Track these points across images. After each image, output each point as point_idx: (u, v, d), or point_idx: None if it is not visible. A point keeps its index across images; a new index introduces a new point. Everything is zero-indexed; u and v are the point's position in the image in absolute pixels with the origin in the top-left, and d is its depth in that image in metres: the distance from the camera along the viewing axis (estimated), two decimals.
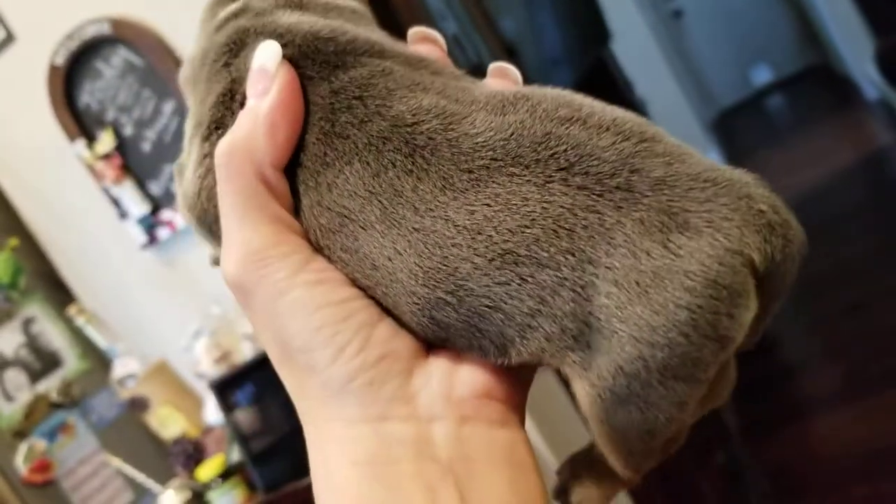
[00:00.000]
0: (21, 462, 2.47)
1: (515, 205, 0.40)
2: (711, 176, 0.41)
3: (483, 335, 0.42)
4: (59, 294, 2.73)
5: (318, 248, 0.45)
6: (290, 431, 2.27)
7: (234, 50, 0.49)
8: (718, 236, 0.39)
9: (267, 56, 0.46)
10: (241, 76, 0.48)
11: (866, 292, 3.99)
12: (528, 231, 0.40)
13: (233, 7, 0.52)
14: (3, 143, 2.65)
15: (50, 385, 2.62)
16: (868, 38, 5.13)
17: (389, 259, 0.43)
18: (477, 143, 0.42)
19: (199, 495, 2.35)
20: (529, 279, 0.40)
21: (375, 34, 0.49)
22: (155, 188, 2.57)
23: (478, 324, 0.42)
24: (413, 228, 0.42)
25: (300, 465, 2.25)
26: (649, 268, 0.39)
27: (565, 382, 0.45)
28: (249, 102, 0.46)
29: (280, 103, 0.45)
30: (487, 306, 0.41)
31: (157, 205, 2.58)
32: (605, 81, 4.74)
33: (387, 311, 0.45)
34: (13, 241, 2.63)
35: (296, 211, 0.46)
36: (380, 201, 0.43)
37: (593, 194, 0.40)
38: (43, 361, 2.64)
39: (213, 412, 2.46)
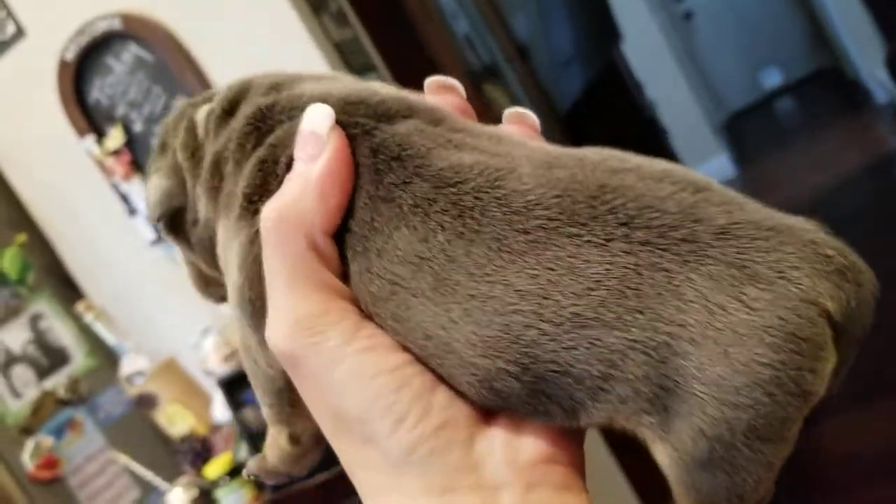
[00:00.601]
0: (28, 459, 2.46)
1: (579, 267, 0.39)
2: (773, 223, 0.39)
3: (550, 400, 0.40)
4: (67, 290, 2.73)
5: (368, 316, 0.44)
6: None
7: (262, 128, 0.48)
8: (791, 287, 0.38)
9: (319, 119, 0.45)
10: (281, 143, 0.46)
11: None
12: (594, 293, 0.38)
13: (221, 99, 0.52)
14: (13, 139, 2.65)
15: (57, 382, 2.61)
16: (878, 42, 5.12)
17: (443, 328, 0.41)
18: (529, 202, 0.40)
19: (206, 493, 2.34)
20: (597, 342, 0.38)
21: (396, 91, 0.48)
22: None
23: (544, 389, 0.40)
24: (469, 295, 0.40)
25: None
26: (726, 324, 0.37)
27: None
28: (298, 167, 0.45)
29: (332, 168, 0.44)
30: (554, 371, 0.39)
31: None
32: (616, 83, 4.73)
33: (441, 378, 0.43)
34: (21, 237, 2.62)
35: (344, 277, 0.44)
36: (431, 267, 0.41)
37: (658, 249, 0.38)
38: (50, 358, 2.63)
39: (221, 410, 2.45)
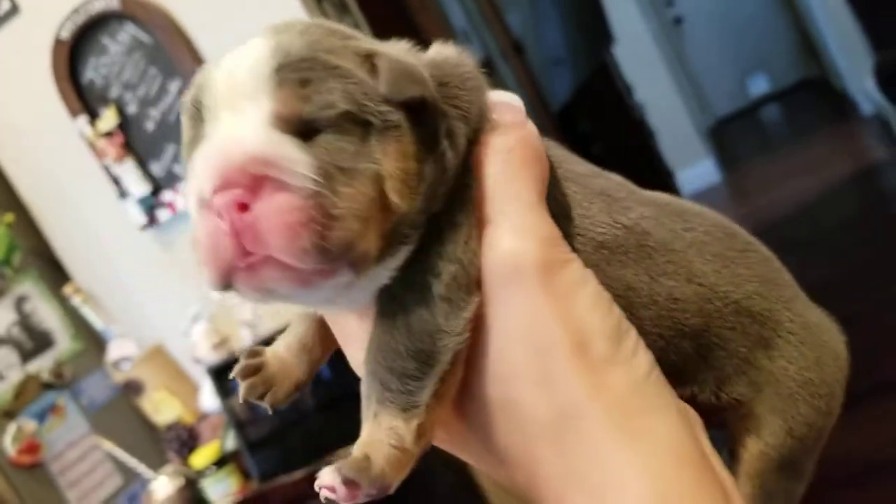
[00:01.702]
0: (10, 443, 2.42)
1: (740, 274, 0.60)
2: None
3: (708, 367, 0.58)
4: (54, 273, 2.68)
5: None
6: (288, 422, 2.24)
7: None
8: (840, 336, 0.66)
9: (508, 96, 0.55)
10: None
11: (858, 304, 3.99)
12: (745, 288, 0.59)
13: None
14: (3, 117, 2.60)
15: (42, 365, 2.57)
16: (866, 53, 5.14)
17: (652, 294, 0.57)
18: (704, 242, 0.61)
19: (192, 483, 2.31)
20: (743, 328, 0.58)
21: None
22: (157, 168, 2.52)
23: (706, 356, 0.58)
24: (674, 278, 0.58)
25: (294, 457, 2.22)
26: (818, 340, 0.59)
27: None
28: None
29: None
30: (716, 343, 0.57)
31: (157, 185, 2.53)
32: (606, 84, 4.73)
33: None
34: (8, 217, 2.58)
35: None
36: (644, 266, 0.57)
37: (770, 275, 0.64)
38: (35, 341, 2.59)
39: (209, 398, 2.42)
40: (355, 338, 0.55)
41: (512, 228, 0.50)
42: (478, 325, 0.51)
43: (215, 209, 0.46)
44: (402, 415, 0.50)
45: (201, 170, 0.47)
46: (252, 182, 0.46)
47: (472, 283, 0.51)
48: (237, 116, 0.49)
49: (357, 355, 0.55)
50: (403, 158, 0.50)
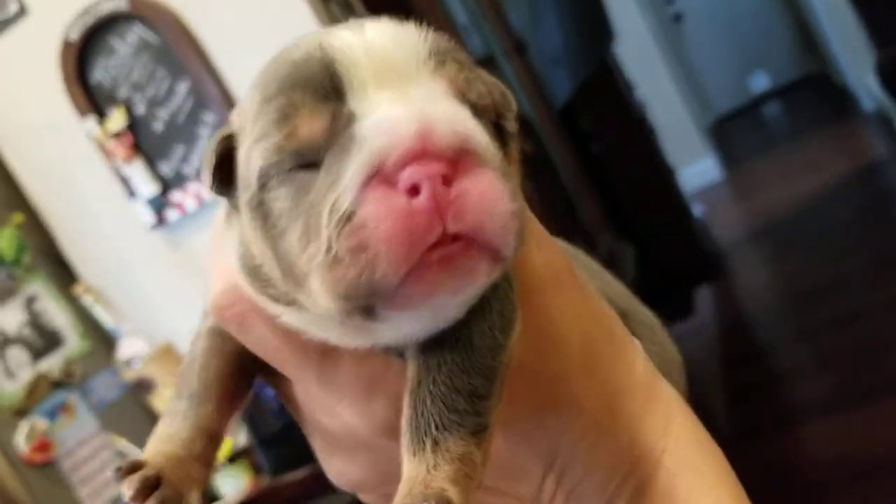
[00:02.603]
0: (23, 441, 2.44)
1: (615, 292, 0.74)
2: None
3: None
4: (63, 272, 2.70)
5: None
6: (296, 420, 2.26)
7: None
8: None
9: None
10: None
11: (859, 303, 4.00)
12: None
13: None
14: (12, 118, 2.62)
15: (52, 364, 2.59)
16: (867, 50, 5.16)
17: None
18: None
19: None
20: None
21: None
22: (165, 168, 2.54)
23: None
24: None
25: (306, 452, 2.23)
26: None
27: None
28: None
29: None
30: None
31: (166, 185, 2.55)
32: (607, 82, 4.74)
33: None
34: (18, 217, 2.60)
35: None
36: None
37: None
38: (45, 340, 2.61)
39: None
40: (381, 383, 0.54)
41: (537, 245, 0.56)
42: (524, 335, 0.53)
43: (406, 184, 0.41)
44: (473, 439, 0.48)
45: (383, 142, 0.42)
46: (455, 156, 0.42)
47: (516, 299, 0.52)
48: (408, 93, 0.44)
49: (375, 406, 0.54)
50: (518, 173, 0.51)
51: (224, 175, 0.51)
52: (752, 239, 5.53)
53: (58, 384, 2.57)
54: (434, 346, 0.49)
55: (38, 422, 2.49)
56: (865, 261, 4.34)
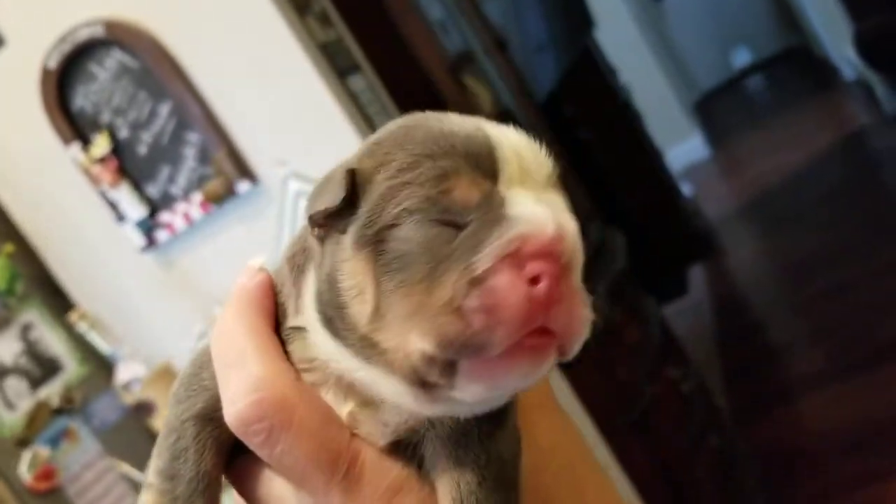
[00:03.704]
0: (26, 470, 2.45)
1: None
2: None
3: None
4: (57, 300, 2.71)
5: None
6: None
7: None
8: None
9: None
10: None
11: (851, 272, 4.03)
12: None
13: None
14: None
15: (51, 391, 2.60)
16: (845, 21, 5.17)
17: None
18: None
19: None
20: None
21: None
22: (152, 190, 2.55)
23: None
24: None
25: None
26: None
27: None
28: None
29: None
30: None
31: (154, 207, 2.56)
32: (591, 69, 4.75)
33: None
34: (8, 247, 2.61)
35: None
36: None
37: None
38: (43, 368, 2.62)
39: None
40: (403, 495, 0.55)
41: None
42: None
43: (534, 271, 0.47)
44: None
45: (529, 229, 0.47)
46: (567, 263, 0.48)
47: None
48: (543, 198, 0.50)
49: None
50: None
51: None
52: (741, 214, 5.56)
53: (58, 411, 2.58)
54: (461, 457, 0.53)
55: (41, 450, 2.50)
56: (855, 230, 4.37)
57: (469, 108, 2.81)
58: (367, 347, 0.51)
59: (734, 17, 7.36)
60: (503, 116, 2.64)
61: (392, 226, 0.49)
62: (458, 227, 0.48)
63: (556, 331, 0.48)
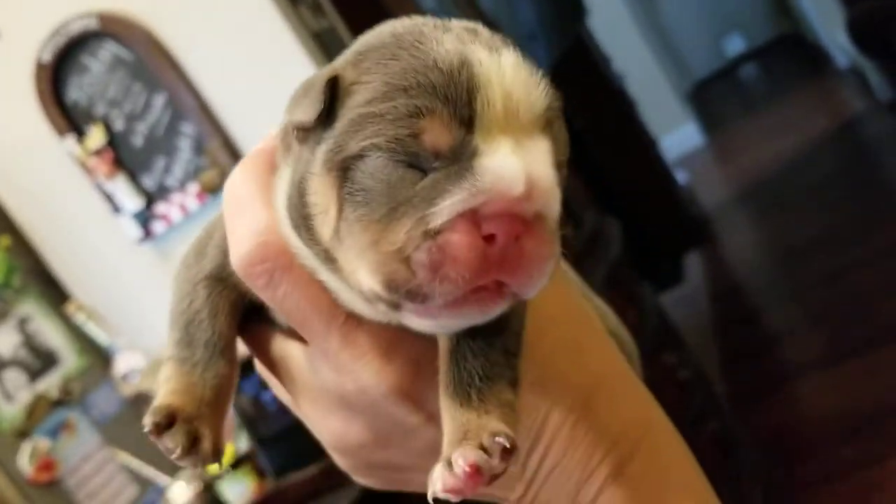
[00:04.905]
0: (27, 462, 2.46)
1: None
2: None
3: None
4: (54, 292, 2.72)
5: None
6: (297, 420, 2.28)
7: None
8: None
9: None
10: None
11: (847, 257, 4.04)
12: None
13: None
14: None
15: (50, 383, 2.60)
16: (838, 7, 5.17)
17: None
18: None
19: (209, 486, 2.36)
20: None
21: None
22: (148, 182, 2.56)
23: None
24: None
25: (307, 451, 2.26)
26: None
27: None
28: None
29: None
30: None
31: (150, 198, 2.57)
32: (583, 57, 4.75)
33: None
34: (5, 240, 2.61)
35: None
36: None
37: None
38: (41, 360, 2.63)
39: None
40: (400, 345, 0.58)
41: None
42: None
43: (489, 230, 0.47)
44: (511, 389, 0.54)
45: (491, 189, 0.47)
46: (532, 218, 0.48)
47: None
48: (524, 145, 0.49)
49: (393, 367, 0.57)
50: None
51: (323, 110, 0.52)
52: (737, 201, 5.57)
53: (57, 403, 2.59)
54: None
55: (41, 442, 2.51)
56: (849, 215, 4.38)
57: None
58: (328, 260, 0.53)
59: (727, 4, 7.37)
60: None
61: (359, 156, 0.49)
62: (424, 171, 0.48)
63: (509, 283, 0.48)
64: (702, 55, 7.53)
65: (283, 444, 2.30)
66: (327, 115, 0.51)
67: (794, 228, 4.70)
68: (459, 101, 0.48)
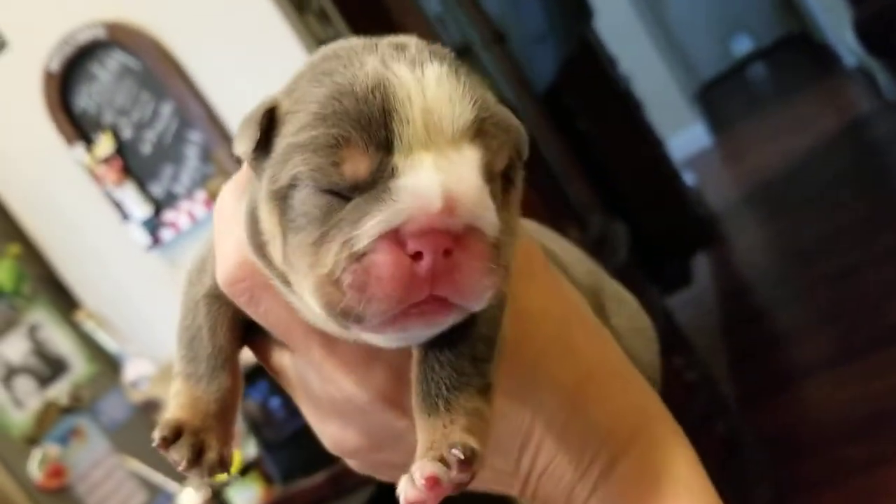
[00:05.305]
0: (36, 468, 2.48)
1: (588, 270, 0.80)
2: None
3: None
4: (64, 299, 2.74)
5: None
6: (305, 421, 2.29)
7: None
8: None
9: None
10: None
11: (854, 257, 4.03)
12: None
13: None
14: (1, 151, 2.65)
15: (59, 390, 2.62)
16: (845, 6, 5.16)
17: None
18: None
19: (217, 493, 2.37)
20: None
21: None
22: (157, 189, 2.57)
23: None
24: None
25: (314, 456, 2.27)
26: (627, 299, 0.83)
27: None
28: None
29: None
30: None
31: (159, 206, 2.58)
32: (590, 59, 4.75)
33: None
34: (15, 248, 2.63)
35: None
36: None
37: None
38: (51, 367, 2.65)
39: None
40: (380, 354, 0.58)
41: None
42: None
43: (414, 250, 0.47)
44: (480, 396, 0.55)
45: (409, 210, 0.47)
46: (462, 232, 0.48)
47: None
48: (445, 160, 0.48)
49: (374, 375, 0.59)
50: (518, 210, 0.56)
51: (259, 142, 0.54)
52: (744, 202, 5.55)
53: (67, 410, 2.61)
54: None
55: (51, 448, 2.53)
56: (857, 215, 4.36)
57: None
58: (285, 282, 0.55)
59: (734, 5, 7.35)
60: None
61: (291, 185, 0.51)
62: (349, 198, 0.49)
63: (447, 297, 0.49)
64: (709, 55, 7.52)
65: (291, 450, 2.31)
66: (265, 145, 0.53)
67: (802, 228, 4.69)
68: (374, 124, 0.49)
